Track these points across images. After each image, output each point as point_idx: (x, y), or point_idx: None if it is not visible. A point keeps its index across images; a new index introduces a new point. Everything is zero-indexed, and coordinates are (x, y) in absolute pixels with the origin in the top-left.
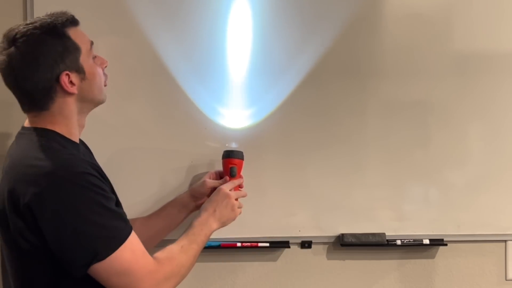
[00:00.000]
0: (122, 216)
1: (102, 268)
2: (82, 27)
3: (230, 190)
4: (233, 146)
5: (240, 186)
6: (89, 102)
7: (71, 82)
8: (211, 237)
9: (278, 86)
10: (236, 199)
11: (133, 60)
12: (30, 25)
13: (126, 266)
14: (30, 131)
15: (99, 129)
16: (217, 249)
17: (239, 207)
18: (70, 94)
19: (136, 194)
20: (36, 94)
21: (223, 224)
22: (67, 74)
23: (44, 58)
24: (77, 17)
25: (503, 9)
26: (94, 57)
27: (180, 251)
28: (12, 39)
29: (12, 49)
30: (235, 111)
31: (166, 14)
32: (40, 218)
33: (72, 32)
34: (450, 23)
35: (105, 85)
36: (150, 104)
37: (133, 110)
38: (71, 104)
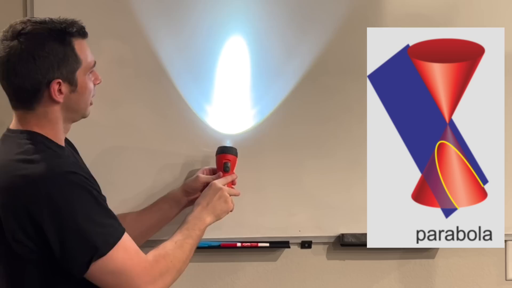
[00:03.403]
0: (114, 215)
1: (98, 268)
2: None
3: (223, 185)
4: (228, 143)
5: (233, 183)
6: (73, 113)
7: (59, 91)
8: (211, 237)
9: (275, 87)
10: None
11: (129, 59)
12: (39, 24)
13: (120, 264)
14: (17, 133)
15: (93, 127)
16: (217, 249)
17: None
18: (56, 102)
19: (128, 191)
20: (21, 92)
21: (217, 217)
22: (58, 83)
23: (41, 61)
24: (75, 16)
25: (503, 9)
26: (91, 72)
27: (174, 246)
28: (17, 33)
29: (15, 42)
30: (232, 113)
31: (164, 15)
32: (39, 220)
33: (77, 44)
34: (451, 23)
35: (90, 103)
36: (144, 103)
37: (127, 109)
38: (56, 111)
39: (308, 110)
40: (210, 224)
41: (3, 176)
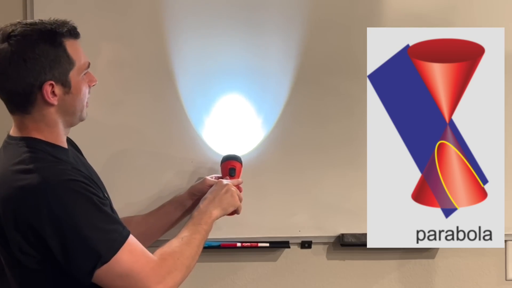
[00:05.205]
0: (117, 219)
1: (104, 273)
2: (81, 28)
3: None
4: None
5: (238, 189)
6: (70, 116)
7: (53, 93)
8: (211, 237)
9: (275, 89)
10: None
11: (133, 62)
12: (29, 26)
13: (127, 267)
14: (16, 141)
15: (99, 131)
16: (217, 249)
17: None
18: (50, 104)
19: (133, 195)
20: (15, 96)
21: (225, 210)
22: (51, 84)
23: (32, 63)
24: (75, 17)
25: (503, 9)
26: (85, 73)
27: (181, 243)
28: (7, 36)
29: (5, 45)
30: (232, 122)
31: (171, 18)
32: (41, 231)
33: (69, 45)
34: (451, 23)
35: (86, 106)
36: (151, 107)
37: (133, 112)
38: (52, 114)
39: (308, 110)
40: (217, 218)
41: (1, 187)
